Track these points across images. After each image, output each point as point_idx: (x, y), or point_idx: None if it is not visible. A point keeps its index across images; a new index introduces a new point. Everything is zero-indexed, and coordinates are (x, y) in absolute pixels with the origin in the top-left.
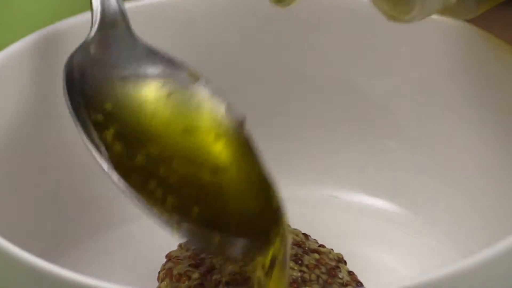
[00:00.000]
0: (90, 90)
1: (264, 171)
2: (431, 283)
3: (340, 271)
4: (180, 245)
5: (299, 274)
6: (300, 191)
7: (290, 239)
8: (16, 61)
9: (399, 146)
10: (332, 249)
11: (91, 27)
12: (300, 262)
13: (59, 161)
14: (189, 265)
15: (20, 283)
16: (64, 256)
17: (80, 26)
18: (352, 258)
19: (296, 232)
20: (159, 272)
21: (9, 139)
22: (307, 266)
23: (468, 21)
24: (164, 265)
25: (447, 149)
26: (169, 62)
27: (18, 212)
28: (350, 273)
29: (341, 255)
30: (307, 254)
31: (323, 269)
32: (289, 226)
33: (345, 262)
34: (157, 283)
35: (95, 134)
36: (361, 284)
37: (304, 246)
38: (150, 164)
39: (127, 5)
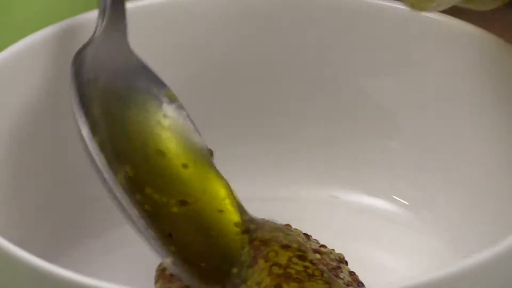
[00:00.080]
0: (90, 89)
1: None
2: (432, 284)
3: (342, 272)
4: None
5: (302, 268)
6: (300, 191)
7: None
8: (25, 57)
9: (399, 146)
10: (333, 249)
11: (98, 24)
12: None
13: (59, 161)
14: None
15: (20, 283)
16: (64, 256)
17: (89, 24)
18: (353, 258)
19: (297, 232)
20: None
21: (8, 138)
22: (311, 261)
23: (466, 21)
24: (158, 266)
25: (448, 149)
26: (152, 78)
27: (18, 212)
28: (351, 273)
29: (342, 255)
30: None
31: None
32: (289, 227)
33: (346, 263)
34: None
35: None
36: (362, 285)
37: None
38: (129, 182)
39: (128, 6)
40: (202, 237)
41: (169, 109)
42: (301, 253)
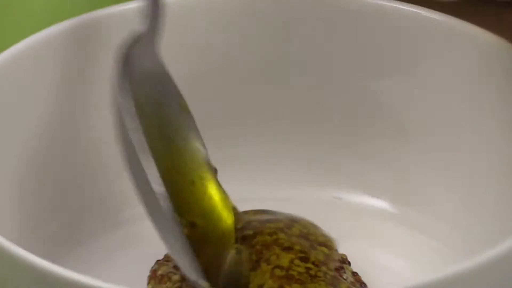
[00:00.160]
0: (137, 94)
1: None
2: (433, 284)
3: (345, 272)
4: None
5: (304, 270)
6: (302, 192)
7: None
8: (26, 57)
9: (402, 147)
10: (336, 250)
11: (145, 20)
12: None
13: (61, 162)
14: (174, 267)
15: (23, 283)
16: (66, 256)
17: (90, 24)
18: (355, 259)
19: (303, 224)
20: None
21: (11, 140)
22: (313, 262)
23: (465, 20)
24: (152, 266)
25: (449, 150)
26: (171, 86)
27: (21, 213)
28: (354, 274)
29: (345, 255)
30: (314, 248)
31: (331, 265)
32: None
33: (349, 263)
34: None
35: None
36: (365, 285)
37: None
38: None
39: (129, 6)
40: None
41: (181, 120)
42: (303, 255)
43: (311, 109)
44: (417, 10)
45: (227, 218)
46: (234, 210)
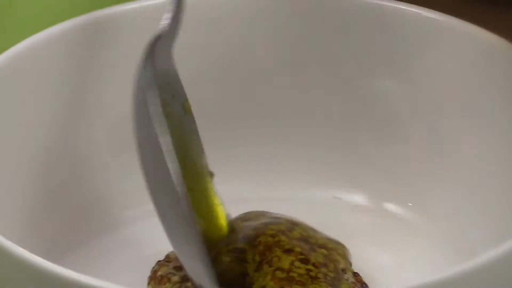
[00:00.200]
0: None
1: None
2: (434, 285)
3: (345, 273)
4: None
5: (304, 271)
6: (303, 192)
7: None
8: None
9: (403, 148)
10: (344, 255)
11: (168, 17)
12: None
13: (61, 162)
14: (174, 268)
15: (23, 283)
16: (67, 256)
17: (91, 25)
18: (356, 259)
19: (303, 227)
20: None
21: (11, 140)
22: (313, 264)
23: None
24: (153, 267)
25: (451, 151)
26: (178, 86)
27: (21, 213)
28: (355, 274)
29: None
30: (314, 251)
31: (331, 267)
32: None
33: (350, 264)
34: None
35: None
36: (366, 286)
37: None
38: None
39: (130, 6)
40: None
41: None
42: (303, 257)
43: (311, 109)
44: (417, 10)
45: (222, 226)
46: (227, 217)
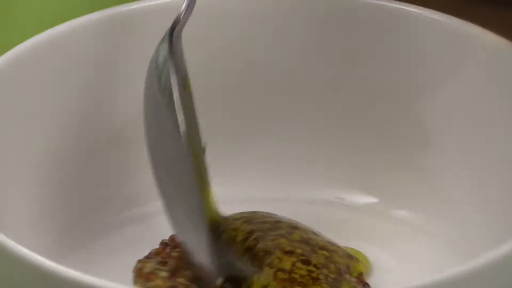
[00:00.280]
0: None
1: None
2: (434, 285)
3: (348, 274)
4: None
5: (306, 272)
6: (305, 193)
7: None
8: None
9: (403, 148)
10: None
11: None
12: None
13: (64, 162)
14: (159, 263)
15: (26, 283)
16: (70, 256)
17: (93, 25)
18: None
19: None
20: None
21: (13, 141)
22: (315, 265)
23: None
24: (135, 266)
25: (453, 151)
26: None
27: (24, 213)
28: (358, 275)
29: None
30: (315, 252)
31: (332, 268)
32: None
33: (363, 268)
34: None
35: None
36: (368, 286)
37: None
38: None
39: (131, 6)
40: None
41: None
42: (304, 258)
43: (313, 109)
44: (419, 11)
45: (212, 206)
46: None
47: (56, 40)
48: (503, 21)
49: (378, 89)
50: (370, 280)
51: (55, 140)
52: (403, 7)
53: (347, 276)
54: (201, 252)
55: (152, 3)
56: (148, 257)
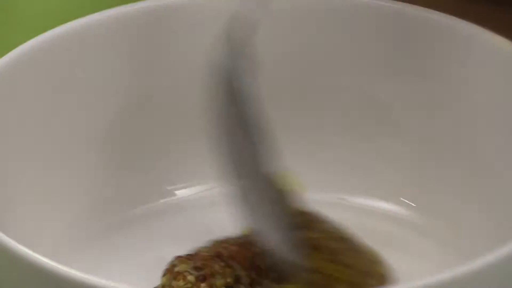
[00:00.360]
0: None
1: None
2: (434, 286)
3: None
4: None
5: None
6: (307, 193)
7: None
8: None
9: (405, 148)
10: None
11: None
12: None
13: (67, 160)
14: (193, 267)
15: (28, 283)
16: (73, 257)
17: (96, 26)
18: None
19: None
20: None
21: (18, 138)
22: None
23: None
24: (172, 261)
25: (455, 151)
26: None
27: (27, 213)
28: None
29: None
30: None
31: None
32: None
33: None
34: None
35: None
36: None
37: None
38: None
39: (132, 7)
40: None
41: None
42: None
43: (315, 109)
44: (421, 12)
45: None
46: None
47: (58, 41)
48: (504, 20)
49: (381, 90)
50: None
51: (56, 140)
52: (403, 7)
53: None
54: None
55: (153, 3)
56: (188, 258)
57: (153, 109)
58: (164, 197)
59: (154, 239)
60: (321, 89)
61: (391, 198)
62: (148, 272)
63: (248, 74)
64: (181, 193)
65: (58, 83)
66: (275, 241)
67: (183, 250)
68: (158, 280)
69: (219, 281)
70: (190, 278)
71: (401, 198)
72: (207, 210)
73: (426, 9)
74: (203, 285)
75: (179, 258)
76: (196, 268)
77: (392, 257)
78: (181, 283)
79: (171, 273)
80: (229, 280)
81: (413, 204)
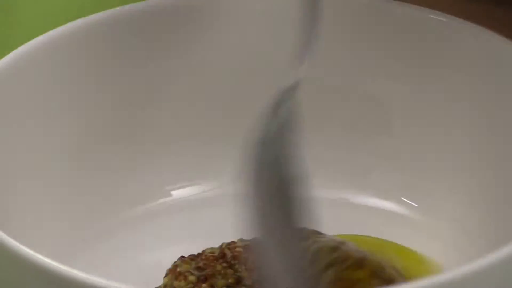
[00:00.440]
0: None
1: None
2: (435, 285)
3: None
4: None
5: None
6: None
7: None
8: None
9: (408, 149)
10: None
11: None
12: None
13: (67, 161)
14: (195, 268)
15: (31, 284)
16: (75, 257)
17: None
18: None
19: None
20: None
21: (19, 142)
22: None
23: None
24: (175, 262)
25: (457, 152)
26: None
27: (29, 214)
28: None
29: None
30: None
31: None
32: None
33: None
34: None
35: None
36: None
37: None
38: None
39: (133, 8)
40: None
41: None
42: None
43: (316, 109)
44: (419, 11)
45: None
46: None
47: (59, 41)
48: (504, 20)
49: (383, 90)
50: None
51: (56, 140)
52: (404, 7)
53: None
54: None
55: (154, 4)
56: (191, 259)
57: (153, 109)
58: (164, 197)
59: (154, 239)
60: (321, 89)
61: (392, 198)
62: (148, 272)
63: (293, 143)
64: (181, 193)
65: (58, 83)
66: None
67: (182, 250)
68: (157, 280)
69: (220, 282)
70: (191, 278)
71: (402, 198)
72: (207, 210)
73: (426, 9)
74: (204, 285)
75: (182, 258)
76: (198, 269)
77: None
78: (182, 283)
79: (173, 273)
80: (230, 280)
81: (414, 204)
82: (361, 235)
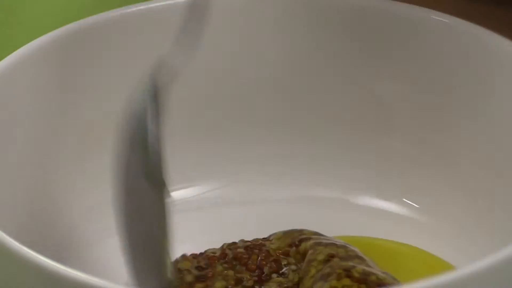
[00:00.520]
0: None
1: None
2: (435, 285)
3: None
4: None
5: None
6: (310, 193)
7: None
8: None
9: (409, 149)
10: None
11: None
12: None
13: (67, 161)
14: (197, 267)
15: (31, 284)
16: (75, 257)
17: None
18: None
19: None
20: None
21: (18, 141)
22: None
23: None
24: (177, 258)
25: (459, 153)
26: None
27: (29, 215)
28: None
29: None
30: None
31: None
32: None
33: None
34: None
35: None
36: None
37: None
38: None
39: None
40: None
41: None
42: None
43: (317, 109)
44: (419, 11)
45: None
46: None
47: (60, 42)
48: (504, 20)
49: (384, 90)
50: None
51: (56, 140)
52: (404, 7)
53: None
54: None
55: (155, 4)
56: (194, 257)
57: None
58: None
59: None
60: (322, 89)
61: (393, 198)
62: None
63: (157, 122)
64: (181, 193)
65: (60, 83)
66: None
67: (183, 251)
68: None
69: (219, 283)
70: (188, 278)
71: (404, 199)
72: (207, 210)
73: (427, 9)
74: (199, 285)
75: (184, 256)
76: (199, 268)
77: None
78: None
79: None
80: (231, 282)
81: (415, 205)
82: (361, 236)
